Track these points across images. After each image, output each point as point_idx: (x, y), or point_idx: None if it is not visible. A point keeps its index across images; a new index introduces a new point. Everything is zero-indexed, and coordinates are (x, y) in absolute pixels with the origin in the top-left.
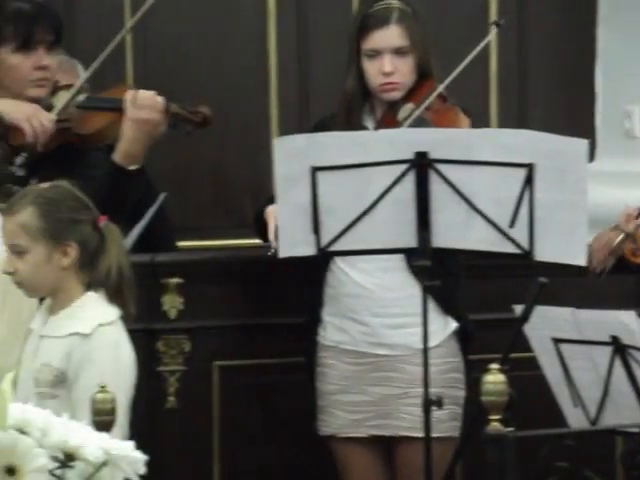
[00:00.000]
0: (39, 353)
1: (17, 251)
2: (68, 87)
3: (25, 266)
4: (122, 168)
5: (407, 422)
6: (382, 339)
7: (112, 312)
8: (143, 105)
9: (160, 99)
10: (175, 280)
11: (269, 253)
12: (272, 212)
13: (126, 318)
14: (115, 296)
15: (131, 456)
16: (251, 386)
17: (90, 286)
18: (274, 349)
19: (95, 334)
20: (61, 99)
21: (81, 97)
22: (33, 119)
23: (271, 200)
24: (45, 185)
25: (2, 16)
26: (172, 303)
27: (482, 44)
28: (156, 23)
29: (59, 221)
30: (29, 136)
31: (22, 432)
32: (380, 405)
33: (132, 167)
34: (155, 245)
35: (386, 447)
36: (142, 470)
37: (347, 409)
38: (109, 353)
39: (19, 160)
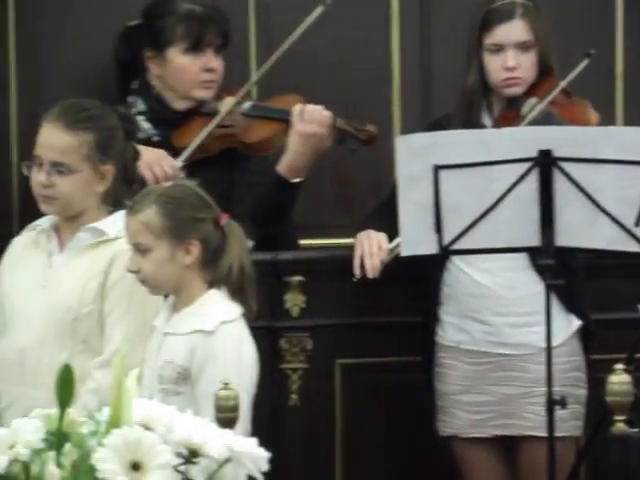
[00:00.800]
0: (163, 350)
1: (140, 250)
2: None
3: (149, 264)
4: (286, 180)
5: (530, 421)
6: (504, 338)
7: (234, 309)
8: (311, 119)
9: (328, 114)
10: (297, 278)
11: (354, 279)
12: (361, 239)
13: (248, 315)
14: (237, 293)
15: (254, 453)
16: (373, 384)
17: (212, 284)
18: (395, 348)
19: (218, 331)
20: (226, 105)
21: (247, 104)
22: (155, 166)
23: (376, 212)
24: (168, 184)
25: (173, 17)
26: (294, 301)
27: (574, 72)
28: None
29: (181, 220)
30: (149, 181)
31: (147, 428)
32: (503, 405)
33: (295, 180)
34: (277, 243)
35: (507, 447)
36: (265, 467)
37: (468, 409)
38: (231, 350)
39: (179, 161)
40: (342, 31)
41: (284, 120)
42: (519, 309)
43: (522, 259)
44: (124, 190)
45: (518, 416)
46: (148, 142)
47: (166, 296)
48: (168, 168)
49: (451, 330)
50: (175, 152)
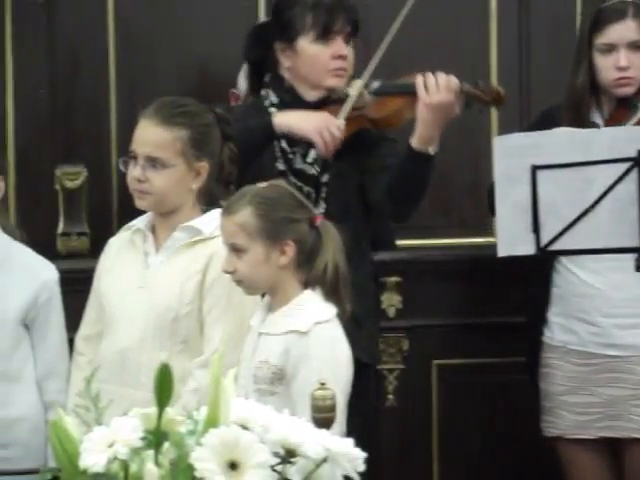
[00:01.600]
0: (258, 350)
1: (236, 250)
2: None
3: (244, 265)
4: (420, 152)
5: (637, 424)
6: (613, 340)
7: (329, 310)
8: (437, 88)
9: (454, 79)
10: (394, 279)
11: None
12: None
13: (342, 316)
14: (331, 294)
15: (351, 453)
16: (470, 385)
17: (307, 284)
18: (493, 348)
19: (312, 331)
20: (356, 87)
21: (375, 83)
22: (324, 131)
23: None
24: (263, 184)
25: (302, 7)
26: (391, 301)
27: None
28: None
29: (277, 220)
30: (320, 149)
31: (244, 428)
32: (609, 406)
33: (430, 150)
34: (374, 243)
35: (612, 449)
36: (361, 467)
37: (574, 410)
38: (326, 350)
39: (311, 156)
40: (439, 31)
41: (410, 93)
42: (628, 310)
43: (629, 260)
44: (220, 190)
45: (625, 418)
46: (282, 133)
47: (263, 295)
48: (335, 130)
49: (558, 330)
50: (308, 144)
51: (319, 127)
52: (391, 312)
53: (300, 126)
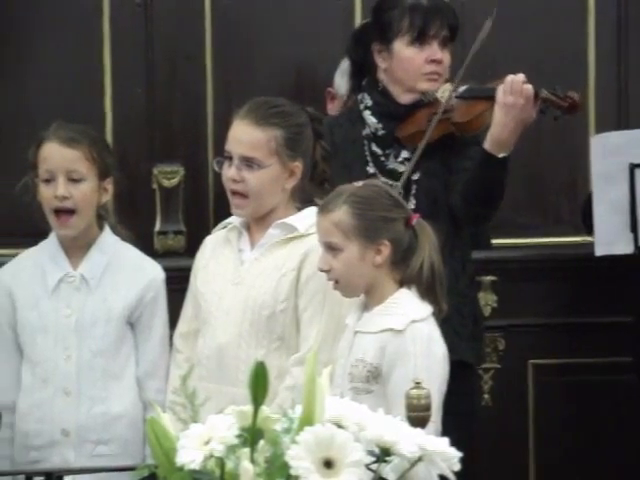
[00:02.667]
0: (353, 348)
1: (331, 249)
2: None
3: (339, 264)
4: (491, 155)
5: None
6: None
7: (424, 308)
8: (512, 90)
9: (529, 85)
10: (489, 278)
11: None
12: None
13: (438, 315)
14: (427, 292)
15: (446, 452)
16: (565, 385)
17: (403, 283)
18: (589, 348)
19: (408, 330)
20: (445, 91)
21: (462, 87)
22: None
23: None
24: (359, 183)
25: (400, 10)
26: (486, 300)
27: None
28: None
29: (372, 220)
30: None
31: (339, 426)
32: None
33: (501, 154)
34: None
35: None
36: (457, 467)
37: None
38: (421, 349)
39: (403, 155)
40: (536, 25)
41: (492, 97)
42: None
43: None
44: (313, 189)
45: None
46: (374, 136)
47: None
48: None
49: None
50: (399, 145)
51: None
52: (487, 311)
53: None
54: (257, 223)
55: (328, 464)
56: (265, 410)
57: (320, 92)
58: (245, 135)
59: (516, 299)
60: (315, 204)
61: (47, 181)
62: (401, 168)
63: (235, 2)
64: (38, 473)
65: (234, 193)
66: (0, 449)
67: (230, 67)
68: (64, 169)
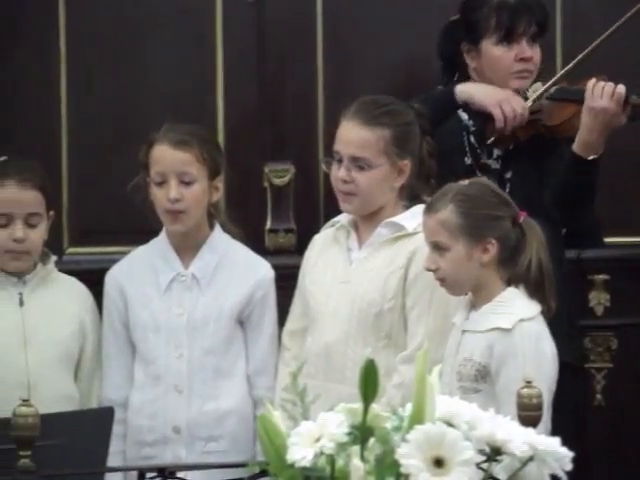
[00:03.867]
0: (461, 347)
1: (438, 248)
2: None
3: (446, 263)
4: (580, 158)
5: None
6: None
7: (533, 307)
8: (601, 94)
9: (620, 89)
10: (602, 276)
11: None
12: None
13: (546, 313)
14: (535, 291)
15: (558, 452)
16: None
17: (510, 281)
18: None
19: (516, 329)
20: (535, 91)
21: (553, 88)
22: (504, 104)
23: None
24: (465, 182)
25: (486, 9)
26: (599, 299)
27: None
28: None
29: (479, 218)
30: (498, 121)
31: (449, 425)
32: None
33: (590, 157)
34: (582, 241)
35: None
36: (569, 467)
37: None
38: (530, 348)
39: (496, 152)
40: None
41: (581, 100)
42: None
43: None
44: (421, 185)
45: None
46: (466, 130)
47: (465, 293)
48: (517, 106)
49: None
50: (490, 142)
51: (500, 100)
52: (599, 310)
53: (481, 96)
54: (365, 221)
55: (438, 463)
56: (375, 408)
57: (429, 89)
58: (354, 135)
59: (629, 298)
60: (422, 201)
61: (159, 183)
62: (495, 165)
63: (345, 0)
64: (151, 469)
65: (343, 193)
66: (113, 445)
67: (340, 65)
68: (176, 172)
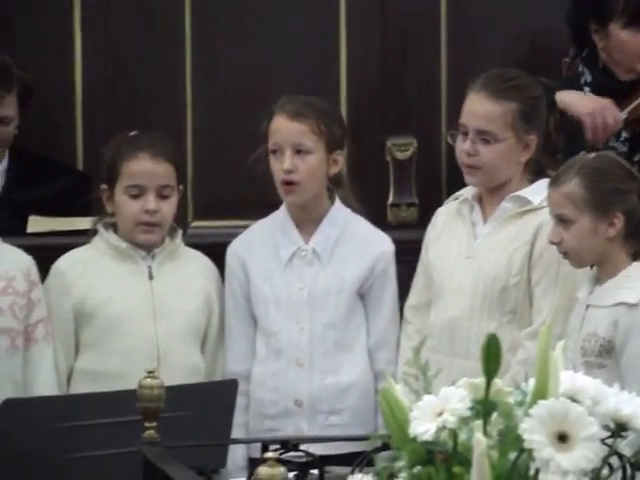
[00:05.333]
0: (585, 322)
1: (563, 221)
2: None
3: (570, 237)
4: None
5: None
6: None
7: None
8: None
9: None
10: None
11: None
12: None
13: None
14: None
15: None
16: None
17: (636, 256)
18: None
19: None
20: None
21: None
22: (597, 114)
23: None
24: (591, 155)
25: None
26: None
27: None
28: None
29: (605, 192)
30: (588, 132)
31: (573, 400)
32: None
33: None
34: None
35: None
36: None
37: None
38: None
39: (623, 135)
40: None
41: None
42: None
43: None
44: (546, 160)
45: None
46: None
47: (591, 267)
48: (610, 119)
49: None
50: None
51: (594, 110)
52: None
53: (576, 106)
54: (490, 196)
55: (562, 438)
56: (498, 383)
57: (555, 61)
58: (481, 109)
59: None
60: (547, 176)
61: (276, 155)
62: (622, 148)
63: None
64: (275, 441)
65: (467, 166)
66: (236, 417)
67: (463, 37)
68: (291, 143)
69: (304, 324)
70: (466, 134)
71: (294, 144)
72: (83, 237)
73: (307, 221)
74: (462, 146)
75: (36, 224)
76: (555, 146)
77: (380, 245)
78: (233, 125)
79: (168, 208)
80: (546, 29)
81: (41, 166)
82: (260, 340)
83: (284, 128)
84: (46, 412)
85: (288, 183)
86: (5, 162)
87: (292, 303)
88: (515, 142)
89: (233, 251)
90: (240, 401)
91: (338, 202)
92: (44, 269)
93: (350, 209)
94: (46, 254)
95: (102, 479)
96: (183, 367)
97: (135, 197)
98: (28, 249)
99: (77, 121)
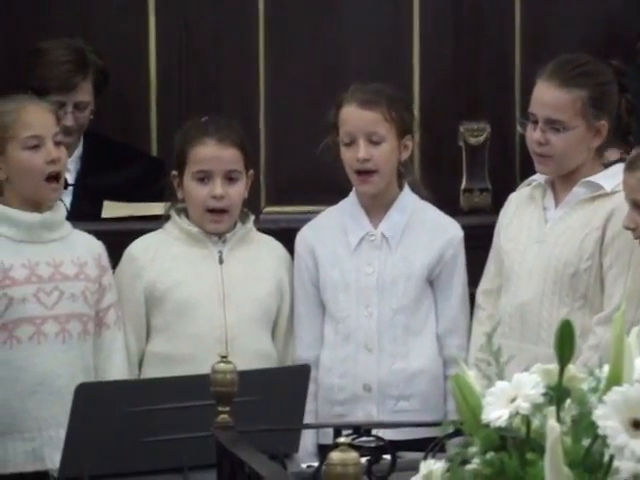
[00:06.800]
0: None
1: (638, 206)
2: None
3: None
4: None
5: None
6: None
7: None
8: None
9: None
10: None
11: None
12: None
13: None
14: None
15: None
16: None
17: None
18: None
19: None
20: None
21: None
22: None
23: None
24: None
25: None
26: None
27: None
28: None
29: None
30: None
31: None
32: None
33: None
34: None
35: None
36: None
37: None
38: None
39: None
40: None
41: None
42: None
43: None
44: (617, 143)
45: None
46: None
47: None
48: None
49: None
50: None
51: None
52: None
53: None
54: (562, 181)
55: (637, 425)
56: (572, 369)
57: (631, 46)
58: (550, 97)
59: None
60: (621, 160)
61: (348, 144)
62: None
63: None
64: (347, 426)
65: (538, 155)
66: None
67: (538, 21)
68: (364, 132)
69: (373, 309)
70: (536, 122)
71: (367, 133)
72: (156, 223)
73: (376, 207)
74: (532, 135)
75: (111, 209)
76: (627, 129)
77: (449, 231)
78: (306, 110)
79: (236, 193)
80: (622, 13)
81: (116, 152)
82: (329, 326)
83: (356, 117)
84: (120, 396)
85: (363, 172)
86: (80, 147)
87: (361, 288)
88: (586, 129)
89: (302, 238)
90: (309, 388)
91: (407, 188)
92: (117, 254)
93: (418, 195)
94: (119, 239)
95: (175, 463)
96: (252, 352)
97: (202, 183)
98: (101, 234)
99: (151, 106)
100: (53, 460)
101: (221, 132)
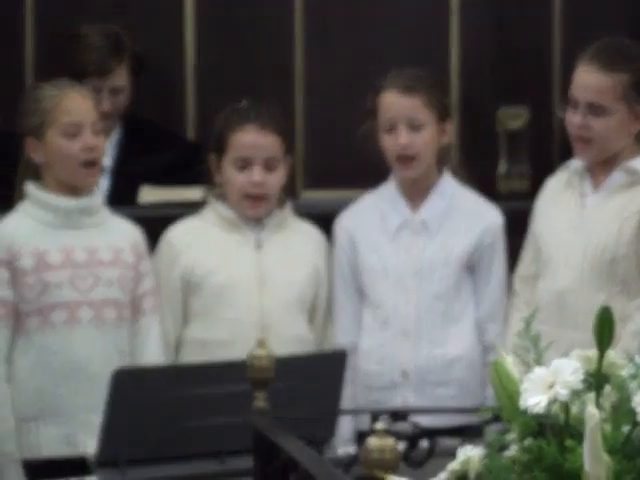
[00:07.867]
0: None
1: None
2: None
3: None
4: None
5: None
6: None
7: None
8: None
9: None
10: None
11: None
12: None
13: None
14: None
15: None
16: None
17: None
18: None
19: None
20: None
21: None
22: None
23: None
24: None
25: None
26: None
27: None
28: None
29: None
30: None
31: None
32: None
33: None
34: None
35: None
36: None
37: None
38: None
39: None
40: None
41: None
42: None
43: None
44: None
45: None
46: None
47: None
48: None
49: None
50: None
51: None
52: None
53: None
54: (601, 166)
55: None
56: (611, 355)
57: None
58: (591, 81)
59: None
60: None
61: (389, 130)
62: None
63: None
64: (384, 412)
65: (578, 139)
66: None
67: (578, 5)
68: (405, 118)
69: (411, 295)
70: (577, 106)
71: (407, 119)
72: (193, 208)
73: (416, 192)
74: (573, 119)
75: (148, 194)
76: None
77: (489, 217)
78: (344, 94)
79: (275, 180)
80: None
81: (153, 136)
82: (367, 311)
83: (396, 103)
84: (157, 381)
85: (404, 158)
86: (117, 132)
87: (399, 274)
88: (627, 113)
89: (340, 224)
90: (346, 374)
91: (447, 173)
92: (154, 240)
93: (458, 180)
94: (157, 225)
95: (213, 448)
96: (289, 337)
97: (242, 169)
98: (139, 220)
99: (188, 91)
100: (86, 445)
101: (262, 118)
